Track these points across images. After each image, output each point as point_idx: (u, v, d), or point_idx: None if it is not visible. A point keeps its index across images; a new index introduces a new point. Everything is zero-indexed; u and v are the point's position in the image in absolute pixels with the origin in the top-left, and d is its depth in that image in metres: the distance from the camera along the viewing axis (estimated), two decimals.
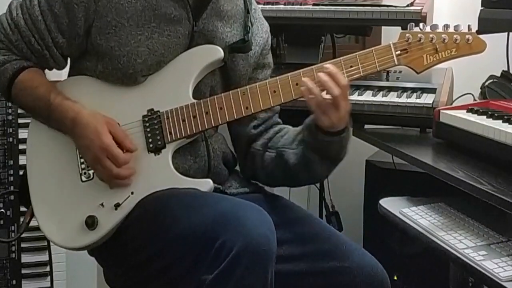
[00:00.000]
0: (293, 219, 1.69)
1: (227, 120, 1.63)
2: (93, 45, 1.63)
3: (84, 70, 1.68)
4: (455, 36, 1.60)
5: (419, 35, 1.61)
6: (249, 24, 1.73)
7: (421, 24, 1.62)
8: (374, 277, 1.57)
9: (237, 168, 1.86)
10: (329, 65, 1.57)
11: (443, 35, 1.60)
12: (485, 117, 1.80)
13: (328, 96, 1.54)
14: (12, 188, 2.31)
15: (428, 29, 1.62)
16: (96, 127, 1.58)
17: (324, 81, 1.55)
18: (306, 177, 1.70)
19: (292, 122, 1.79)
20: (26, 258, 2.35)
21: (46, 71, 1.73)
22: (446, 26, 1.61)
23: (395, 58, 1.60)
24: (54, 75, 1.76)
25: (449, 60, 1.62)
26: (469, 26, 1.61)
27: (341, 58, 1.61)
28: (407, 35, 1.61)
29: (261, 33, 1.78)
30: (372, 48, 1.61)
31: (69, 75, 1.74)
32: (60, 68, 1.73)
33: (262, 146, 1.76)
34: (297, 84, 1.61)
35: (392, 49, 1.61)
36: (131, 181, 1.61)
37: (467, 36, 1.60)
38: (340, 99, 1.54)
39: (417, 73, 1.63)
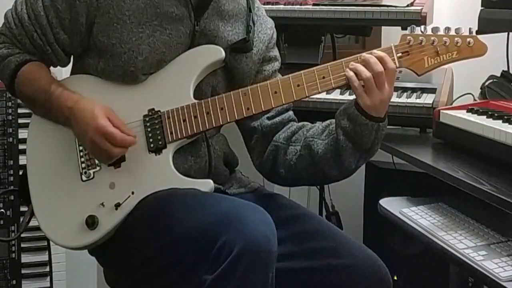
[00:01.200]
0: (294, 217, 1.68)
1: (228, 120, 1.63)
2: (95, 42, 1.63)
3: (86, 67, 1.69)
4: (456, 39, 1.60)
5: (420, 37, 1.61)
6: (251, 23, 1.73)
7: (422, 27, 1.63)
8: (375, 273, 1.57)
9: (238, 168, 1.85)
10: (376, 50, 1.59)
11: (444, 38, 1.60)
12: (485, 117, 1.80)
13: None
14: (12, 188, 2.31)
15: (429, 31, 1.62)
16: (92, 111, 1.58)
17: (374, 62, 1.56)
18: (333, 169, 1.66)
19: None
20: (26, 258, 2.35)
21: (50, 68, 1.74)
22: (447, 29, 1.61)
23: (396, 60, 1.61)
24: (56, 73, 1.76)
25: (450, 63, 1.63)
26: (470, 29, 1.61)
27: (342, 59, 1.61)
28: (408, 37, 1.62)
29: (265, 29, 1.78)
30: (374, 50, 1.61)
31: (71, 73, 1.75)
32: (63, 65, 1.74)
33: (286, 139, 1.74)
34: (298, 86, 1.61)
35: (393, 51, 1.61)
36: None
37: (468, 39, 1.60)
38: (384, 80, 1.56)
39: (418, 75, 1.63)
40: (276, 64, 1.81)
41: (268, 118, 1.75)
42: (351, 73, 1.58)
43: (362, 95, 1.57)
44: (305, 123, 1.77)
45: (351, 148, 1.62)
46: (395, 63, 1.60)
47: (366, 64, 1.57)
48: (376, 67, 1.56)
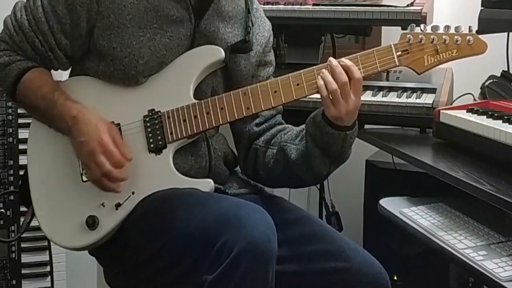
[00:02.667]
0: (293, 220, 1.68)
1: (228, 120, 1.63)
2: (96, 46, 1.63)
3: (86, 70, 1.69)
4: (456, 37, 1.60)
5: (420, 36, 1.61)
6: (250, 24, 1.73)
7: (422, 25, 1.63)
8: (375, 278, 1.57)
9: (238, 168, 1.86)
10: (344, 59, 1.58)
11: (444, 36, 1.60)
12: (485, 117, 1.80)
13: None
14: (12, 188, 2.31)
15: (429, 30, 1.62)
16: (97, 125, 1.58)
17: (339, 72, 1.55)
18: (306, 174, 1.68)
19: (292, 122, 1.79)
20: (26, 258, 2.35)
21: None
22: (447, 27, 1.61)
23: (396, 59, 1.61)
24: (55, 75, 1.76)
25: (450, 61, 1.62)
26: (470, 27, 1.61)
27: (342, 58, 1.61)
28: (408, 36, 1.62)
29: (263, 31, 1.78)
30: (373, 49, 1.61)
31: (70, 75, 1.74)
32: (65, 69, 1.74)
33: (265, 142, 1.76)
34: (298, 85, 1.61)
35: (393, 49, 1.61)
36: (121, 189, 1.59)
37: (468, 37, 1.60)
38: (349, 90, 1.55)
39: (418, 74, 1.63)
40: (271, 69, 1.82)
41: (256, 125, 1.77)
42: (321, 82, 1.57)
43: (329, 106, 1.57)
44: (287, 126, 1.78)
45: (320, 155, 1.63)
46: (394, 61, 1.61)
47: (332, 73, 1.56)
48: (340, 77, 1.55)
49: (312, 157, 1.64)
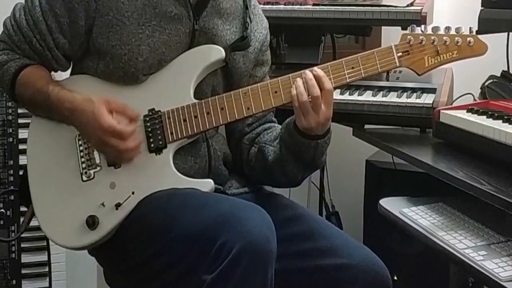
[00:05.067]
0: (294, 217, 1.69)
1: (228, 120, 1.63)
2: (95, 44, 1.63)
3: (85, 69, 1.69)
4: (456, 38, 1.60)
5: (420, 37, 1.61)
6: (248, 21, 1.74)
7: (422, 26, 1.63)
8: (375, 274, 1.57)
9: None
10: (317, 68, 1.59)
11: (444, 37, 1.61)
12: (485, 117, 1.80)
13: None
14: (12, 188, 2.31)
15: (429, 31, 1.62)
16: (93, 111, 1.58)
17: (312, 85, 1.56)
18: (280, 176, 1.71)
19: None
20: (26, 258, 2.35)
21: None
22: (448, 28, 1.61)
23: (396, 60, 1.61)
24: (55, 76, 1.76)
25: (450, 62, 1.63)
26: (470, 28, 1.61)
27: (342, 59, 1.62)
28: (408, 37, 1.62)
29: (261, 29, 1.79)
30: (374, 50, 1.62)
31: (71, 75, 1.74)
32: (64, 69, 1.74)
33: (249, 140, 1.78)
34: None
35: (394, 50, 1.61)
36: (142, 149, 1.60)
37: (468, 39, 1.60)
38: (321, 102, 1.56)
39: (419, 75, 1.63)
40: (267, 69, 1.83)
41: (248, 126, 1.78)
42: (294, 92, 1.58)
43: (299, 117, 1.58)
44: (272, 125, 1.80)
45: (293, 161, 1.66)
46: (395, 62, 1.61)
47: (306, 85, 1.57)
48: (312, 90, 1.56)
49: (285, 162, 1.66)
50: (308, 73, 1.58)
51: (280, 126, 1.75)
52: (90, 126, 1.58)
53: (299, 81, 1.58)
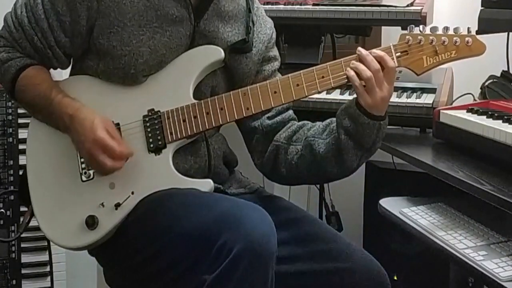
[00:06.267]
0: (293, 219, 1.68)
1: (228, 120, 1.63)
2: (95, 44, 1.63)
3: (85, 69, 1.68)
4: (455, 38, 1.60)
5: (419, 37, 1.61)
6: (250, 24, 1.73)
7: (421, 26, 1.63)
8: (374, 277, 1.58)
9: (237, 168, 1.85)
10: (376, 50, 1.59)
11: (443, 37, 1.61)
12: (485, 117, 1.80)
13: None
14: (12, 188, 2.31)
15: (428, 31, 1.62)
16: (92, 122, 1.58)
17: (371, 60, 1.56)
18: (335, 168, 1.66)
19: None
20: (26, 258, 2.35)
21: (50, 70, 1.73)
22: (446, 28, 1.61)
23: (395, 60, 1.61)
24: (55, 74, 1.76)
25: (449, 62, 1.63)
26: (468, 28, 1.61)
27: (342, 59, 1.61)
28: (407, 37, 1.62)
29: (264, 29, 1.78)
30: (373, 50, 1.61)
31: (70, 74, 1.74)
32: (64, 67, 1.74)
33: (286, 139, 1.73)
34: (297, 85, 1.61)
35: (393, 50, 1.61)
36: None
37: (466, 39, 1.60)
38: (384, 78, 1.56)
39: (417, 75, 1.63)
40: (276, 64, 1.81)
41: (269, 118, 1.75)
42: (352, 73, 1.58)
43: (364, 94, 1.57)
44: (306, 122, 1.77)
45: (353, 148, 1.62)
46: (394, 62, 1.61)
47: (364, 62, 1.57)
48: (372, 65, 1.56)
49: (344, 150, 1.62)
50: (363, 51, 1.58)
51: (311, 123, 1.74)
52: (84, 135, 1.57)
53: (355, 62, 1.58)
